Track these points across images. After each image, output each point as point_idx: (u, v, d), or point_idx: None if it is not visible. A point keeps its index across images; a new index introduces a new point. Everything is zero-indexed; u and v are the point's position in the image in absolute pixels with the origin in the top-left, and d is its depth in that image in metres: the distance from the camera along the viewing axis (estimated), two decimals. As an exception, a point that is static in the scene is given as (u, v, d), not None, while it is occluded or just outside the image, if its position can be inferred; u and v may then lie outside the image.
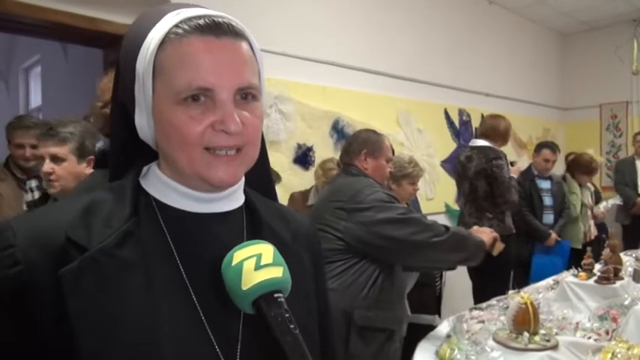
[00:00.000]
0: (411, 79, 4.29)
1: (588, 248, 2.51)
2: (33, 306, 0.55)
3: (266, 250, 0.60)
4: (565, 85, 6.40)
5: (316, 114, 3.53)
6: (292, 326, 0.56)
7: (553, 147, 4.13)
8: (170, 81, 0.60)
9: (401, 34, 4.23)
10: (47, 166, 1.72)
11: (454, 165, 3.74)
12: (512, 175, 3.27)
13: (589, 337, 1.89)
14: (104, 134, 1.39)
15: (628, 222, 4.94)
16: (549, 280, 2.71)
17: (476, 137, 3.64)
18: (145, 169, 0.68)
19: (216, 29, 0.60)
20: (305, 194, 3.21)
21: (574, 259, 3.28)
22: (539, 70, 6.04)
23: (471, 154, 3.37)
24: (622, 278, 2.30)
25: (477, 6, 5.05)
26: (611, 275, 2.24)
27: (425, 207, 4.01)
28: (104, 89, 1.36)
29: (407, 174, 2.72)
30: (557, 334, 1.85)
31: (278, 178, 3.09)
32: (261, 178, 0.77)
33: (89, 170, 1.75)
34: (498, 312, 2.16)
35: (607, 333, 1.92)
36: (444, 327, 2.05)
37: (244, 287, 0.57)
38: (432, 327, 2.17)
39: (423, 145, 4.41)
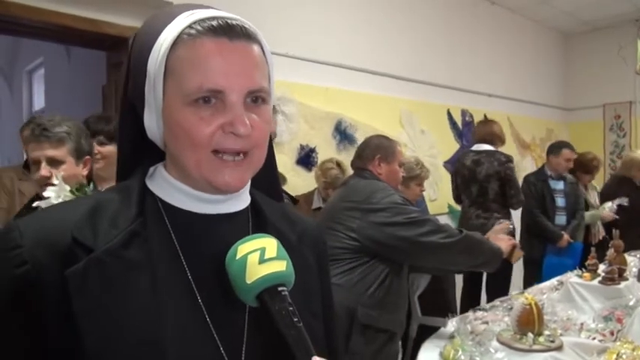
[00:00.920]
0: (413, 79, 4.29)
1: (592, 249, 2.50)
2: (39, 306, 0.55)
3: (270, 243, 0.60)
4: (568, 85, 6.39)
5: (319, 115, 3.53)
6: (296, 319, 0.56)
7: (571, 146, 4.03)
8: (181, 82, 0.59)
9: (403, 34, 4.23)
10: (45, 170, 1.54)
11: (455, 168, 3.85)
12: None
13: (594, 338, 1.89)
14: None
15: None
16: (553, 281, 2.71)
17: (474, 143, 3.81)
18: (151, 169, 0.68)
19: (229, 31, 0.60)
20: (309, 197, 3.21)
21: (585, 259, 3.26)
22: (542, 71, 6.03)
23: (478, 157, 3.52)
24: (627, 279, 2.30)
25: (479, 6, 5.04)
26: (616, 276, 2.23)
27: (428, 208, 4.01)
28: None
29: (415, 176, 2.75)
30: (561, 334, 1.84)
31: (284, 180, 3.09)
32: (268, 179, 0.77)
33: (86, 172, 1.64)
34: (502, 313, 2.16)
35: (612, 334, 1.91)
36: (447, 328, 2.05)
37: (249, 281, 0.57)
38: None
39: (426, 145, 4.40)
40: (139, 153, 0.69)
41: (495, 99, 5.16)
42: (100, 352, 0.54)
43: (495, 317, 2.09)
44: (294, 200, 2.36)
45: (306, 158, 3.46)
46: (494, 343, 1.75)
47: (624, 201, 4.12)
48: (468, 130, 4.78)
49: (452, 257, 1.96)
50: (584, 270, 2.39)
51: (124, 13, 2.78)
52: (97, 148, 2.04)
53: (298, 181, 3.37)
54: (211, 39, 0.59)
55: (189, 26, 0.60)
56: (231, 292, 0.59)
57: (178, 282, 0.61)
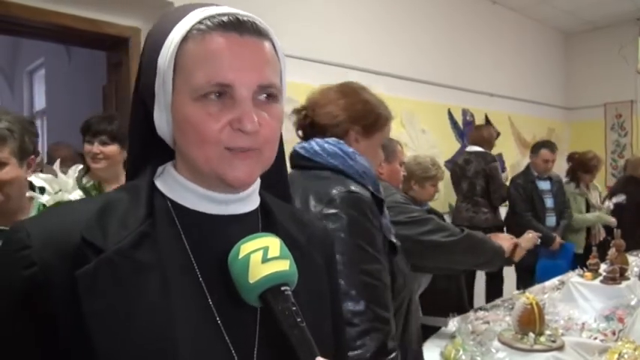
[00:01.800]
0: (414, 79, 4.28)
1: (594, 248, 2.50)
2: (48, 307, 0.55)
3: (272, 243, 0.60)
4: (569, 84, 6.38)
5: (319, 115, 3.52)
6: (299, 319, 0.55)
7: (551, 146, 4.00)
8: (190, 77, 0.59)
9: (404, 34, 4.23)
10: None
11: (451, 167, 4.24)
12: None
13: (595, 338, 1.88)
14: None
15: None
16: (555, 281, 2.70)
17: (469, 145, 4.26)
18: (159, 169, 0.68)
19: (239, 27, 0.59)
20: None
21: (578, 263, 3.25)
22: (543, 70, 6.02)
23: (469, 157, 4.04)
24: (628, 278, 2.29)
25: (480, 6, 5.04)
26: (617, 275, 2.23)
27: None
28: None
29: (431, 176, 2.74)
30: (562, 334, 1.84)
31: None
32: (278, 181, 0.76)
33: (29, 175, 1.37)
34: (503, 312, 2.15)
35: (613, 333, 1.91)
36: (448, 327, 2.05)
37: (251, 280, 0.57)
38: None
39: (427, 145, 4.40)
40: (149, 151, 0.68)
41: (496, 98, 5.15)
42: (111, 352, 0.53)
43: (496, 317, 2.09)
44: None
45: (306, 158, 3.45)
46: (496, 343, 1.74)
47: (622, 199, 4.11)
48: (469, 129, 4.77)
49: (454, 256, 1.96)
50: (585, 269, 2.39)
51: (124, 13, 2.78)
52: (99, 148, 2.02)
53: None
54: (221, 34, 0.59)
55: (200, 22, 0.60)
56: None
57: (188, 283, 0.60)
